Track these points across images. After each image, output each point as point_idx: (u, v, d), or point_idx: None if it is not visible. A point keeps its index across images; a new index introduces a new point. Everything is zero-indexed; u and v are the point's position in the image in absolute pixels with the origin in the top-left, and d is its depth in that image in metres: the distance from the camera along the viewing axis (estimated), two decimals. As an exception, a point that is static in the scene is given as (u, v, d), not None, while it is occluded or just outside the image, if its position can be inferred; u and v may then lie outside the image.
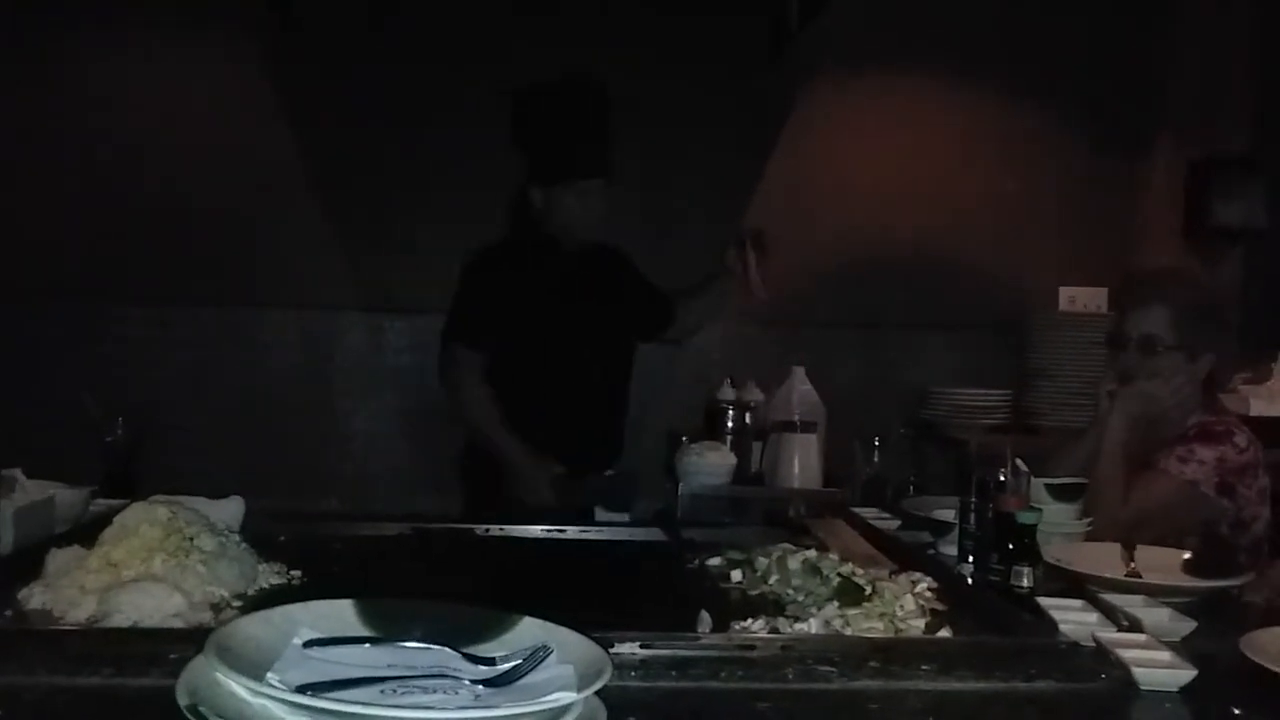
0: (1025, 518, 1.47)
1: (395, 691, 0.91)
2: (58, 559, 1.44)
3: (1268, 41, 3.81)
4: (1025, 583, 1.44)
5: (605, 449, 2.84)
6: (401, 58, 3.76)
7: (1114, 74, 3.98)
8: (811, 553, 1.64)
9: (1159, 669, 1.16)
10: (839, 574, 1.53)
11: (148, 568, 1.38)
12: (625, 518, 2.46)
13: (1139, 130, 4.04)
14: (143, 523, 1.44)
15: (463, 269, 2.81)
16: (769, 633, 1.33)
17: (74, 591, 1.35)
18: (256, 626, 1.01)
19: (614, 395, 2.89)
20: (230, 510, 1.71)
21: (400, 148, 3.80)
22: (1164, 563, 1.67)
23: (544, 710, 0.90)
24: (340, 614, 1.06)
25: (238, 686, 0.88)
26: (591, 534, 2.07)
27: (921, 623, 1.39)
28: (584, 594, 1.55)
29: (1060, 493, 1.84)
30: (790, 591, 1.54)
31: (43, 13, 3.69)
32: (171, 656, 1.05)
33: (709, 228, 3.89)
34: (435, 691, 0.93)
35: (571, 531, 2.06)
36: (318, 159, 3.79)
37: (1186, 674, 1.15)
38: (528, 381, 2.72)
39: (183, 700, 0.89)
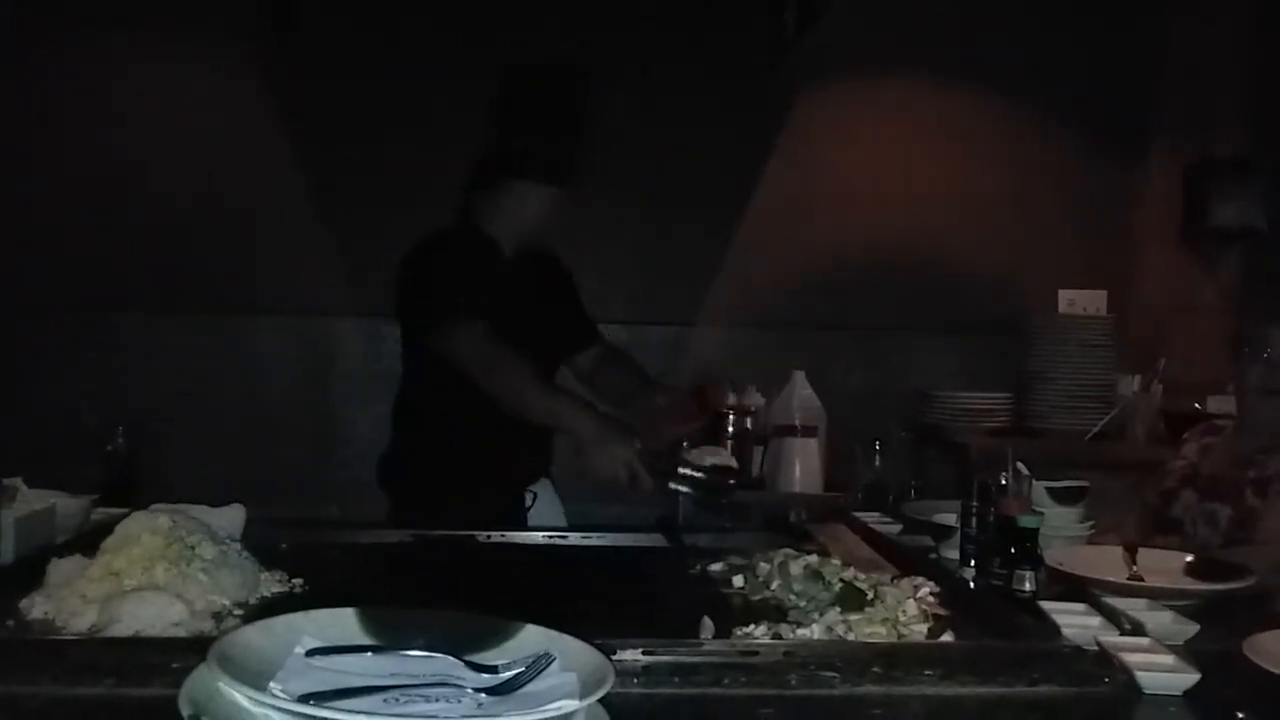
0: (1027, 521, 1.47)
1: (398, 700, 0.91)
2: (59, 568, 1.44)
3: (1261, 43, 3.81)
4: (1027, 587, 1.44)
5: (534, 463, 2.55)
6: (398, 64, 3.76)
7: (1109, 77, 3.98)
8: (813, 558, 1.64)
9: (1162, 673, 1.16)
10: (841, 579, 1.53)
11: (149, 576, 1.38)
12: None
13: (1135, 133, 4.04)
14: (144, 531, 1.44)
15: (414, 259, 2.47)
16: (771, 638, 1.33)
17: (76, 601, 1.35)
18: (258, 635, 1.00)
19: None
20: (231, 518, 1.70)
21: (398, 153, 3.80)
22: (1166, 566, 1.67)
23: (547, 718, 0.89)
24: (342, 622, 1.06)
25: (240, 696, 0.88)
26: (593, 540, 2.07)
27: (924, 628, 1.39)
28: (586, 601, 1.54)
29: (1062, 496, 1.84)
30: (792, 597, 1.54)
31: (38, 23, 3.69)
32: (174, 666, 1.05)
33: (708, 233, 3.90)
34: (438, 700, 0.93)
35: (573, 538, 2.07)
36: (315, 166, 3.79)
37: (1190, 678, 1.15)
38: (458, 387, 2.27)
39: (185, 710, 0.89)
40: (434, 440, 2.46)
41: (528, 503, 2.49)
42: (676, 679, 1.14)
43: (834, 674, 1.16)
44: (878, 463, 2.62)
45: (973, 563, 1.62)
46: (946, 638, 1.36)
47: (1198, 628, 1.33)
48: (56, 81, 3.70)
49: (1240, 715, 1.12)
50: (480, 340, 2.23)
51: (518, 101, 2.42)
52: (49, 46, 3.70)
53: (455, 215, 2.53)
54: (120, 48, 3.75)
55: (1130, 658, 1.18)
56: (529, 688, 0.96)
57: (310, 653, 0.99)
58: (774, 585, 1.59)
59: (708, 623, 1.37)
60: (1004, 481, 1.56)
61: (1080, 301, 3.83)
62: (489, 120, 2.46)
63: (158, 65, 3.76)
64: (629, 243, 3.88)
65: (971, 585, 1.59)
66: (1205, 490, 2.31)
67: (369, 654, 1.02)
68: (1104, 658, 1.21)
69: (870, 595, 1.45)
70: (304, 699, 0.88)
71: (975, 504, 1.61)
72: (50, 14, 3.69)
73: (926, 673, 1.17)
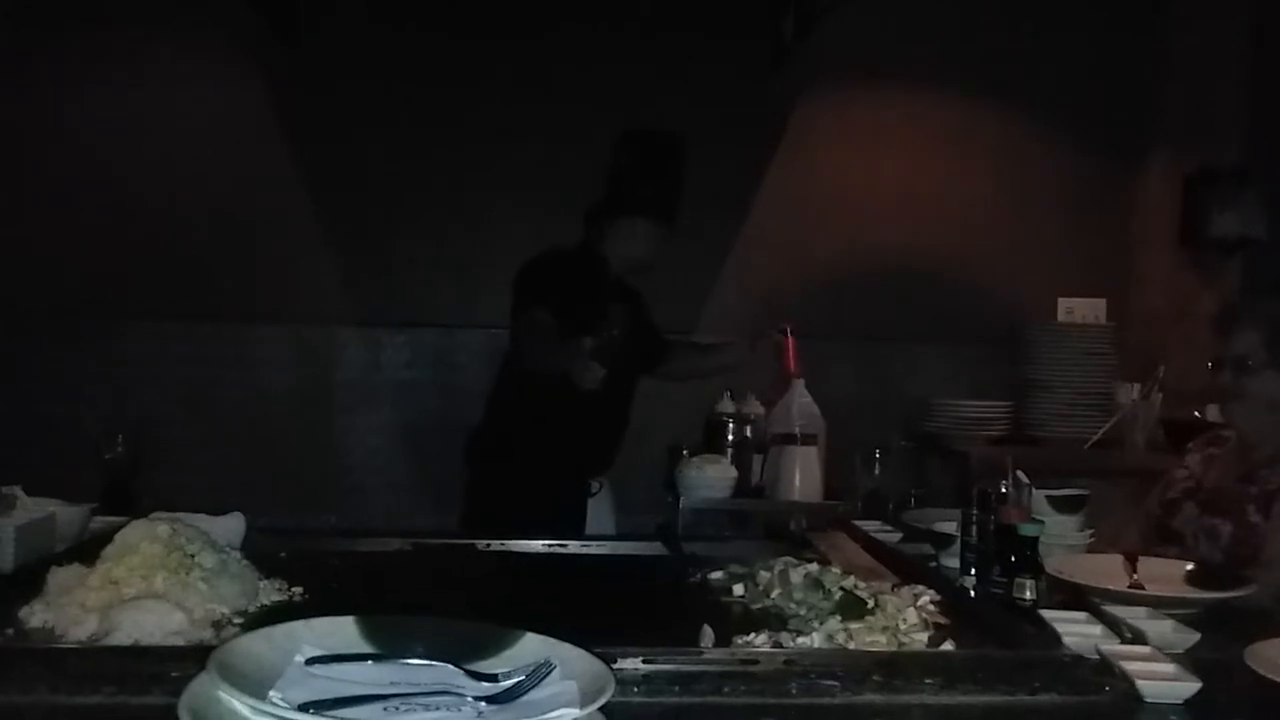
0: (1027, 530, 1.47)
1: (398, 709, 0.91)
2: (59, 577, 1.43)
3: (1259, 53, 3.82)
4: (1028, 595, 1.44)
5: (598, 463, 2.97)
6: (400, 75, 3.77)
7: (1108, 87, 3.99)
8: (813, 566, 1.64)
9: (1163, 681, 1.16)
10: (841, 588, 1.53)
11: (149, 585, 1.38)
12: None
13: (1134, 142, 4.05)
14: (143, 540, 1.44)
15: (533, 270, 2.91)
16: (772, 647, 1.33)
17: (75, 609, 1.34)
18: (258, 644, 1.00)
19: (617, 414, 2.98)
20: (231, 527, 1.71)
21: (398, 164, 3.81)
22: (1167, 574, 1.66)
23: (547, 727, 0.89)
24: (342, 631, 1.05)
25: (240, 705, 0.88)
26: (593, 548, 2.07)
27: (924, 636, 1.39)
28: (586, 609, 1.54)
29: (1061, 504, 1.84)
30: (792, 605, 1.54)
31: (42, 31, 3.70)
32: (173, 674, 1.05)
33: (707, 242, 3.90)
34: (438, 709, 0.92)
35: (573, 546, 2.06)
36: (316, 175, 3.80)
37: (1191, 686, 1.15)
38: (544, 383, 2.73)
39: (185, 719, 0.89)
40: (520, 424, 2.87)
41: (594, 489, 2.91)
42: (677, 688, 1.14)
43: (834, 682, 1.16)
44: (877, 471, 2.61)
45: (973, 571, 1.62)
46: (947, 646, 1.35)
47: (1198, 636, 1.33)
48: (59, 89, 3.71)
49: (1241, 724, 1.11)
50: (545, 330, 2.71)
51: (639, 158, 2.94)
52: (51, 54, 3.71)
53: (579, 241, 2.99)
54: (122, 55, 3.76)
55: (1131, 666, 1.18)
56: (529, 696, 0.96)
57: (310, 661, 0.99)
58: (774, 594, 1.59)
59: (708, 631, 1.37)
60: (1004, 490, 1.56)
61: (1079, 310, 3.83)
62: (612, 172, 2.95)
63: (160, 73, 3.77)
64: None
65: (972, 594, 1.59)
66: (1207, 504, 2.30)
67: (369, 662, 1.01)
68: (1105, 666, 1.21)
69: (871, 603, 1.45)
70: (304, 708, 0.88)
71: (975, 512, 1.61)
72: (53, 20, 3.71)
73: (927, 681, 1.17)
